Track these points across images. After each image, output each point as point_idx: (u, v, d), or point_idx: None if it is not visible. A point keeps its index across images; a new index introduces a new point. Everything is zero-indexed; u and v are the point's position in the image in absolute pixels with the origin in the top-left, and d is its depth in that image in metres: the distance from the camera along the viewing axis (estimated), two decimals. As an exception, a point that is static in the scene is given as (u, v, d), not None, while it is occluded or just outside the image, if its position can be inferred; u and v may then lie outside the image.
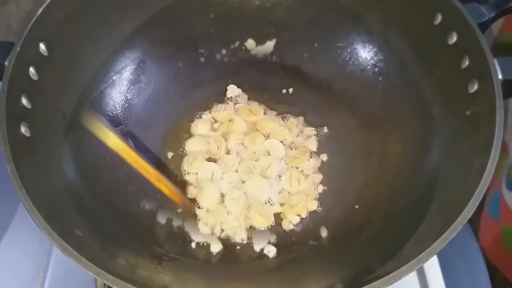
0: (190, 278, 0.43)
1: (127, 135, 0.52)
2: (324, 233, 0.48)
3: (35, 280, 0.46)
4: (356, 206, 0.48)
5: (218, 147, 0.52)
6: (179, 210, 0.49)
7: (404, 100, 0.50)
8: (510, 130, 0.55)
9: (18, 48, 0.40)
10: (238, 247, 0.48)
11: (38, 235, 0.35)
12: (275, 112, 0.56)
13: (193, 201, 0.50)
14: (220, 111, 0.55)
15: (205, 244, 0.47)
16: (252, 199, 0.49)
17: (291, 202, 0.49)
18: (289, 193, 0.50)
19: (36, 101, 0.41)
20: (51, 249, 0.48)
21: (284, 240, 0.48)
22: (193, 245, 0.47)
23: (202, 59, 0.58)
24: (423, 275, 0.47)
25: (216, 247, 0.47)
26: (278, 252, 0.47)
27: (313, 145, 0.53)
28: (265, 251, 0.47)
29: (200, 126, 0.54)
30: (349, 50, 0.55)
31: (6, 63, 0.40)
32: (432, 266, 0.47)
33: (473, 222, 0.59)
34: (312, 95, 0.56)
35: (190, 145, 0.53)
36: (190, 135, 0.54)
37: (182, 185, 0.51)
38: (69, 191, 0.43)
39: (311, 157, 0.53)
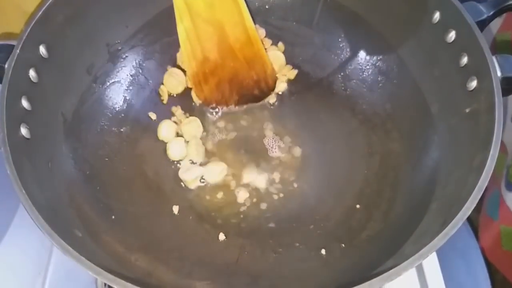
0: (190, 277, 0.44)
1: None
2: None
3: (36, 280, 0.46)
4: (357, 206, 0.48)
5: None
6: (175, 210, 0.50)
7: (404, 98, 0.50)
8: (509, 131, 0.56)
9: (18, 51, 0.40)
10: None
11: (38, 235, 0.34)
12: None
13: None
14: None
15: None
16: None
17: None
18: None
19: (36, 103, 0.41)
20: (51, 249, 0.48)
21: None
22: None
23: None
24: (422, 275, 0.47)
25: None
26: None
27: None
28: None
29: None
30: (348, 49, 0.55)
31: (6, 66, 0.40)
32: (432, 266, 0.47)
33: (472, 222, 0.59)
34: (312, 95, 0.56)
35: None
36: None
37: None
38: (69, 192, 0.43)
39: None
